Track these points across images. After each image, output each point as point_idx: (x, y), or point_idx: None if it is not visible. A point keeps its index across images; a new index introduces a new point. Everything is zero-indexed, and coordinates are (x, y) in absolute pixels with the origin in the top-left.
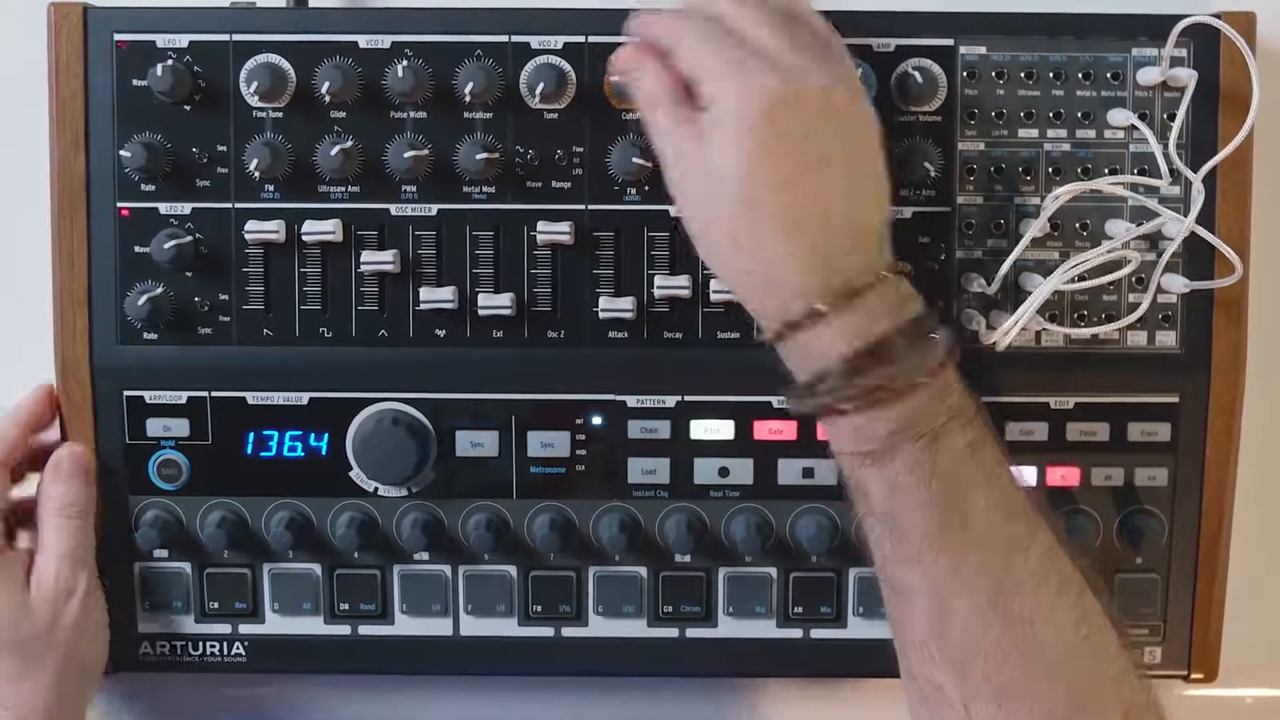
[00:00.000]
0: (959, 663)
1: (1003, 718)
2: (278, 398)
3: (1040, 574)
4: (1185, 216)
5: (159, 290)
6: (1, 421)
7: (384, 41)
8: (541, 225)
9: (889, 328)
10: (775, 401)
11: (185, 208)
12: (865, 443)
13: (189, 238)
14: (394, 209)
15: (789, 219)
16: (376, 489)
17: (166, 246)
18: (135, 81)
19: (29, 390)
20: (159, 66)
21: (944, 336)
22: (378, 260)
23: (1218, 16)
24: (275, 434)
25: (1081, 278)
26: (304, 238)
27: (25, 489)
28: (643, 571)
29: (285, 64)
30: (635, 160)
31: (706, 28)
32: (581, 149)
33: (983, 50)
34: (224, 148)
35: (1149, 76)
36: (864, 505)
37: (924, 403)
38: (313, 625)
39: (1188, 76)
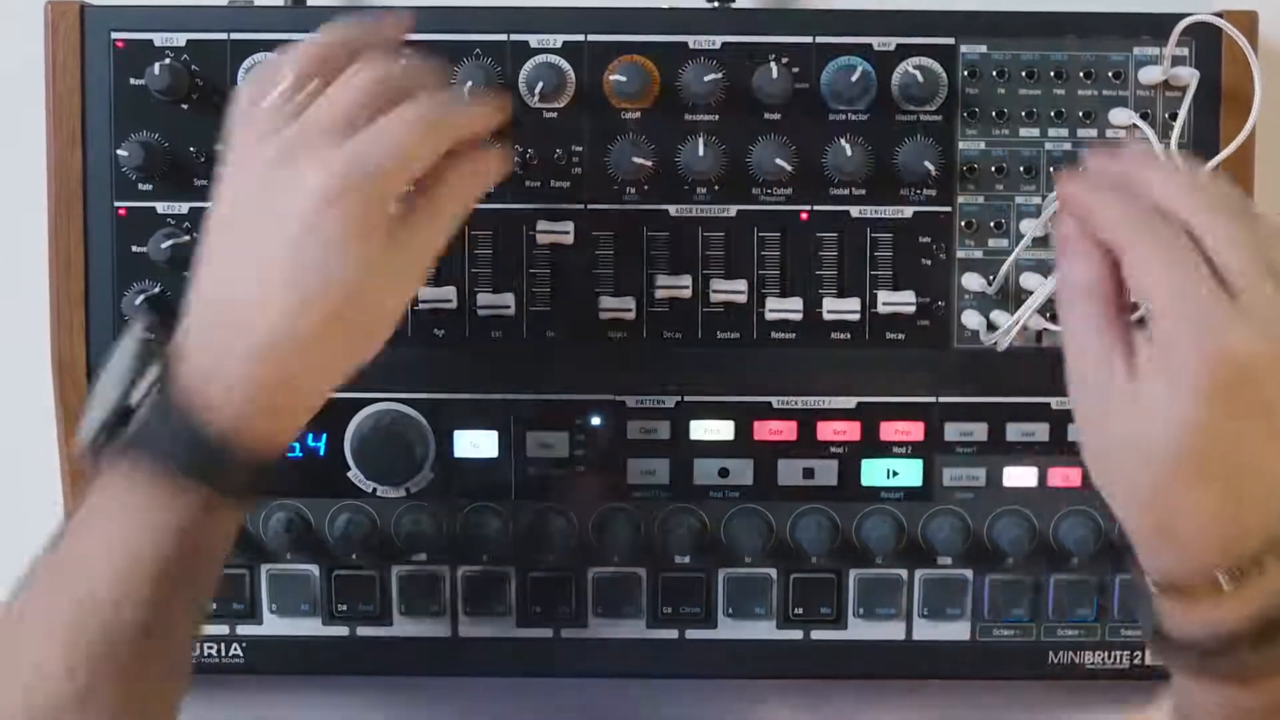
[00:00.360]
0: None
1: None
2: None
3: None
4: None
5: (156, 289)
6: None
7: None
8: (541, 224)
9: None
10: (775, 402)
11: (183, 207)
12: (1214, 712)
13: (186, 237)
14: None
15: (1210, 486)
16: (375, 489)
17: (164, 246)
18: (132, 80)
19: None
20: (156, 65)
21: None
22: None
23: (1219, 15)
24: None
25: None
26: None
27: None
28: (642, 572)
29: None
30: (635, 160)
31: (1165, 233)
32: (580, 148)
33: (983, 49)
34: (221, 147)
35: (1151, 75)
36: None
37: None
38: (311, 626)
39: (1189, 75)
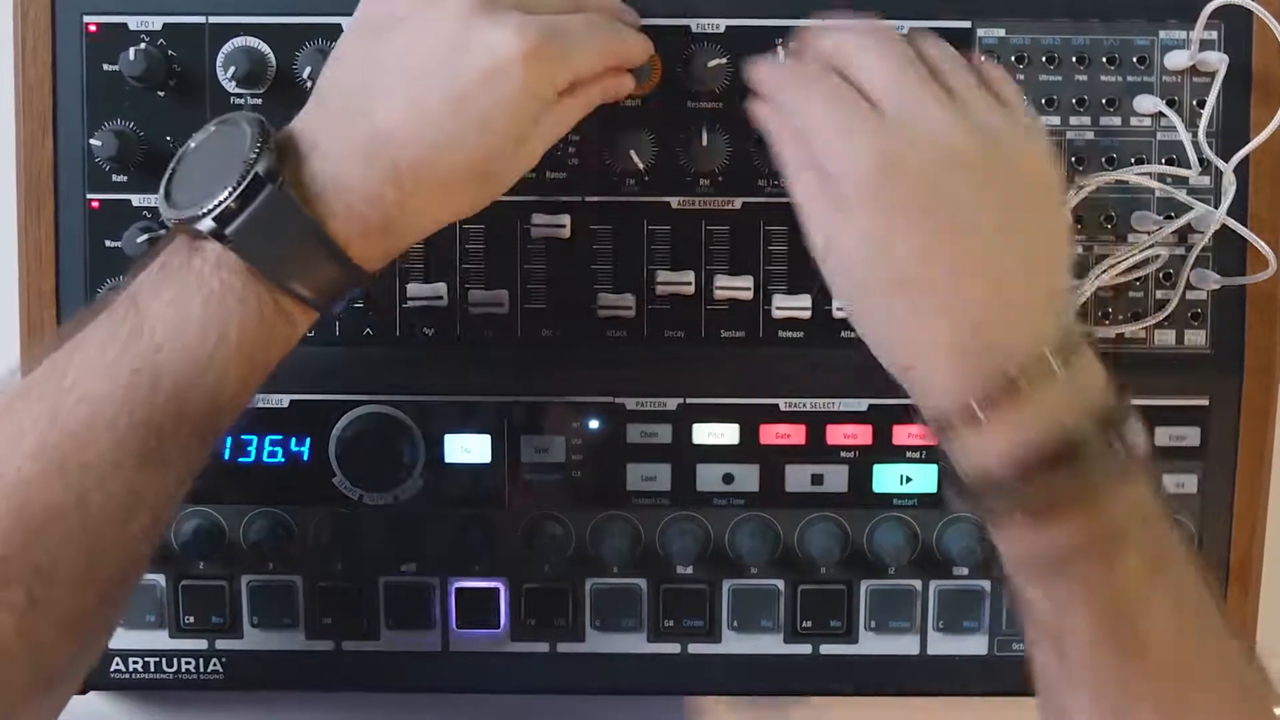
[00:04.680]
0: None
1: None
2: (256, 400)
3: (1230, 712)
4: (1216, 208)
5: None
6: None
7: None
8: (536, 218)
9: (1054, 430)
10: (782, 404)
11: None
12: (1031, 554)
13: (163, 231)
14: None
15: (925, 301)
16: (361, 497)
17: (139, 240)
18: (106, 66)
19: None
20: (131, 50)
21: (1131, 435)
22: None
23: None
24: (254, 439)
25: (1103, 273)
26: None
27: None
28: (642, 584)
29: (265, 47)
30: (633, 151)
31: (816, 77)
32: (577, 138)
33: (1001, 33)
34: None
35: (1177, 60)
36: (1029, 619)
37: (1100, 515)
38: (294, 640)
39: (1218, 60)
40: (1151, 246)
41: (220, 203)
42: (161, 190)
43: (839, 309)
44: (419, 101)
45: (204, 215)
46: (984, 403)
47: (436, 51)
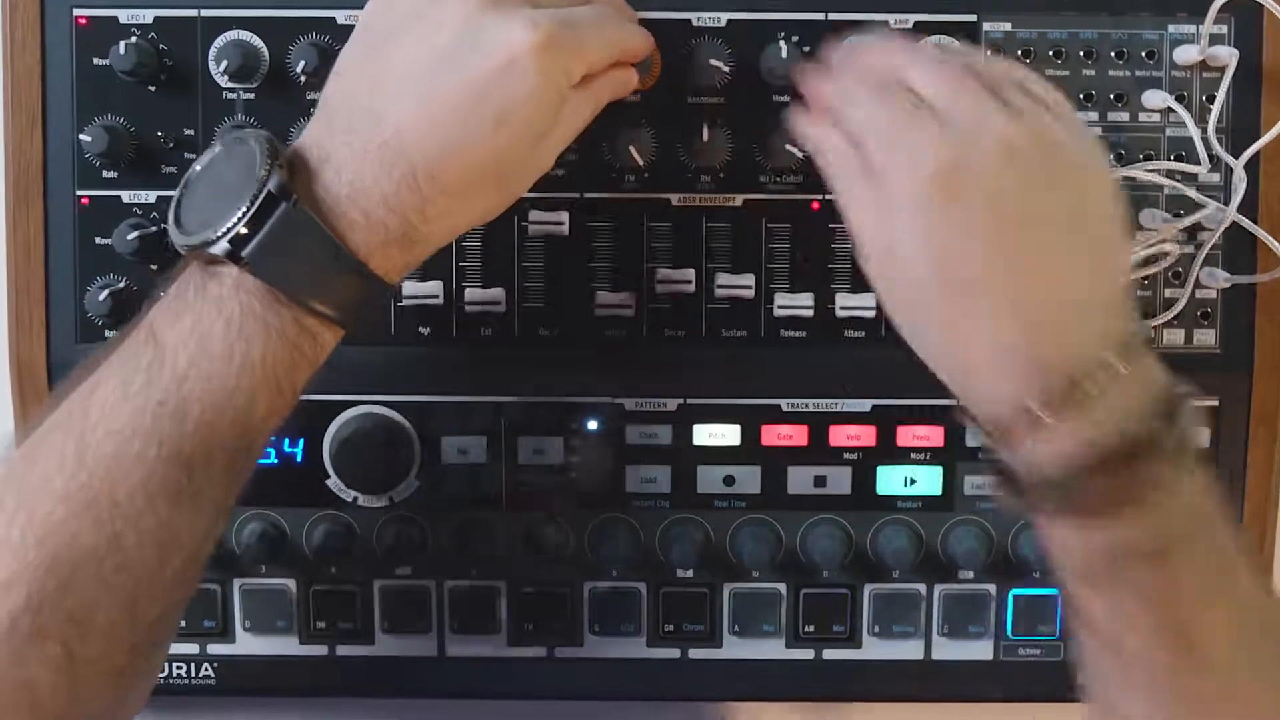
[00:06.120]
0: None
1: None
2: None
3: None
4: (1226, 205)
5: (121, 284)
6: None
7: None
8: (533, 214)
9: (1117, 432)
10: (784, 405)
11: (150, 196)
12: (1087, 556)
13: (154, 228)
14: None
15: (986, 303)
16: (356, 498)
17: (130, 238)
18: (96, 60)
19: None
20: (122, 44)
21: (1189, 435)
22: None
23: None
24: None
25: None
26: None
27: None
28: (642, 587)
29: (257, 41)
30: (633, 146)
31: (872, 83)
32: None
33: (1008, 27)
34: (191, 131)
35: (1187, 55)
36: (1082, 621)
37: (1156, 516)
38: (287, 645)
39: (1228, 55)
40: (1160, 244)
41: (234, 224)
42: (171, 217)
43: (844, 308)
44: (433, 103)
45: (218, 239)
46: (1045, 406)
47: (447, 51)
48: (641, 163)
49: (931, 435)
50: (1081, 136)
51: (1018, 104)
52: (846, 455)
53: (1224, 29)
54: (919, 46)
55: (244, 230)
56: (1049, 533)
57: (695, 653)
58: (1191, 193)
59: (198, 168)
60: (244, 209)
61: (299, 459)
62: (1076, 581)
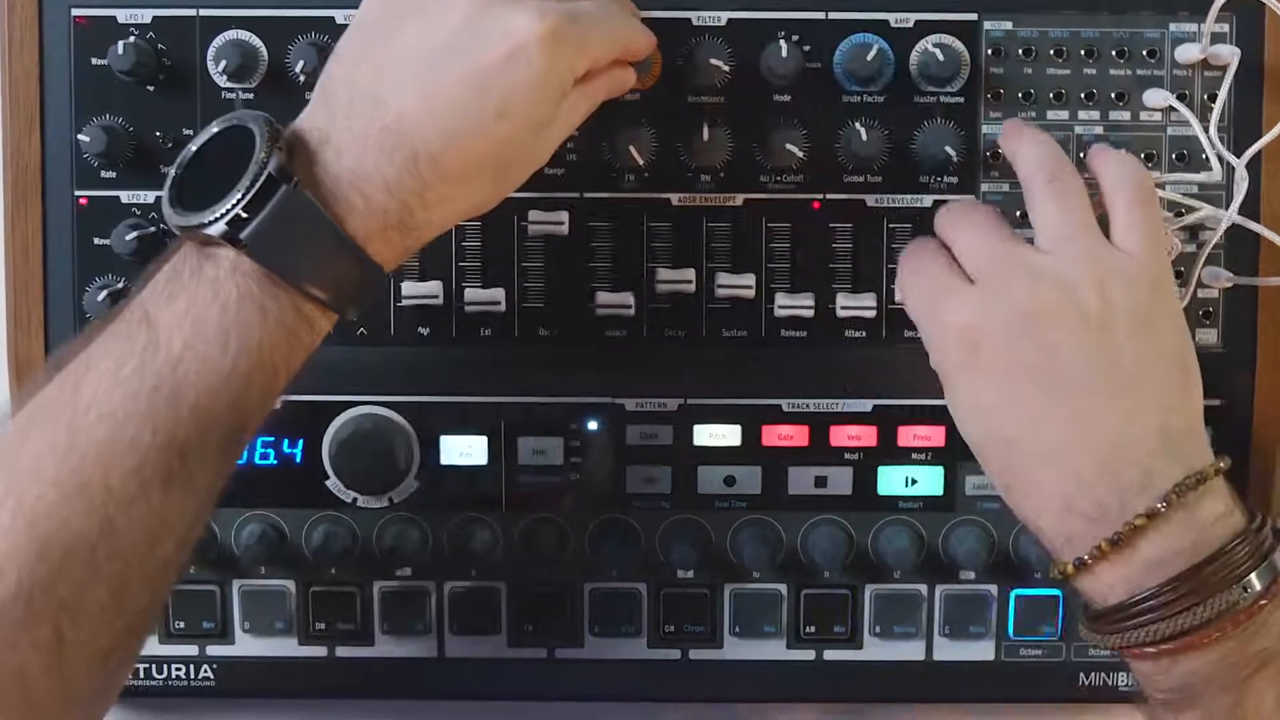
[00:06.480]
0: None
1: None
2: None
3: None
4: (1228, 205)
5: (120, 285)
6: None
7: None
8: (533, 214)
9: (1182, 567)
10: (784, 405)
11: (148, 196)
12: (1161, 687)
13: (152, 228)
14: None
15: (1028, 460)
16: (355, 499)
17: (128, 238)
18: (94, 60)
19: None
20: (120, 44)
21: (1261, 570)
22: None
23: None
24: None
25: None
26: None
27: None
28: (642, 588)
29: (256, 41)
30: (633, 146)
31: (915, 252)
32: (576, 132)
33: (1009, 25)
34: (190, 131)
35: (1188, 54)
36: None
37: (1228, 650)
38: (286, 646)
39: (1230, 54)
40: None
41: (233, 206)
42: (166, 196)
43: (845, 308)
44: (436, 89)
45: (216, 220)
46: (1094, 555)
47: (452, 38)
48: (641, 162)
49: (933, 435)
50: (1141, 267)
51: (1076, 236)
52: (847, 455)
53: (1225, 28)
54: (965, 205)
55: (243, 212)
56: (1129, 659)
57: (696, 654)
58: (1193, 192)
59: (193, 148)
60: (243, 191)
61: (298, 460)
62: (1157, 702)
